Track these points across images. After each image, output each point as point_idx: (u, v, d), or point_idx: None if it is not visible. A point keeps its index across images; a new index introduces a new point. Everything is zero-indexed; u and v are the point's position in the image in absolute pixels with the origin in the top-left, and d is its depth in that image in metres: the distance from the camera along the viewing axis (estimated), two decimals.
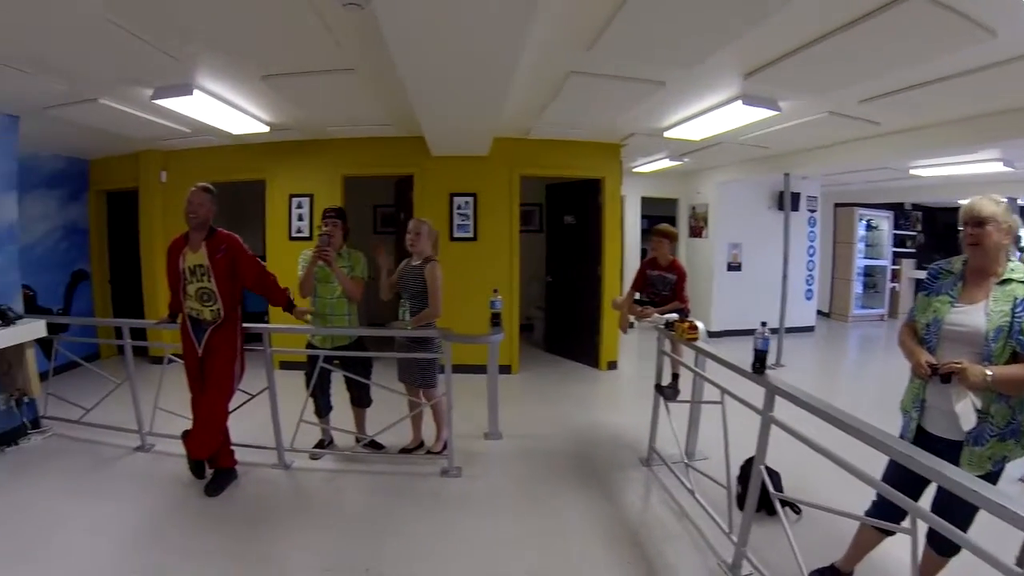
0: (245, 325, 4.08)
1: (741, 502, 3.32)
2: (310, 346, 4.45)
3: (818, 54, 3.48)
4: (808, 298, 10.36)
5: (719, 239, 9.74)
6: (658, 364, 4.47)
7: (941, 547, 2.42)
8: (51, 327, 4.89)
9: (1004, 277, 2.31)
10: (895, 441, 2.17)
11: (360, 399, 4.57)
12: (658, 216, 9.48)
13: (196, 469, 4.01)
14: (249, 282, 3.95)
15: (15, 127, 4.97)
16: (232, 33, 3.39)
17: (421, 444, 4.71)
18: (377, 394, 4.61)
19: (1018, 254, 2.43)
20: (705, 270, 9.78)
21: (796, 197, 9.50)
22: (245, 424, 4.33)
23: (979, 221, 2.32)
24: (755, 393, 3.01)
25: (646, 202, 10.53)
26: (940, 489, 2.09)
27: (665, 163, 8.68)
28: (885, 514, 2.49)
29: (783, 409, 2.80)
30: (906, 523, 2.21)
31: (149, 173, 7.30)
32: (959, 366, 2.19)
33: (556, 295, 8.53)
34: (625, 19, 3.06)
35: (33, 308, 6.35)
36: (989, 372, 2.15)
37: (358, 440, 4.61)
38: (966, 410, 2.22)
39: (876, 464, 2.42)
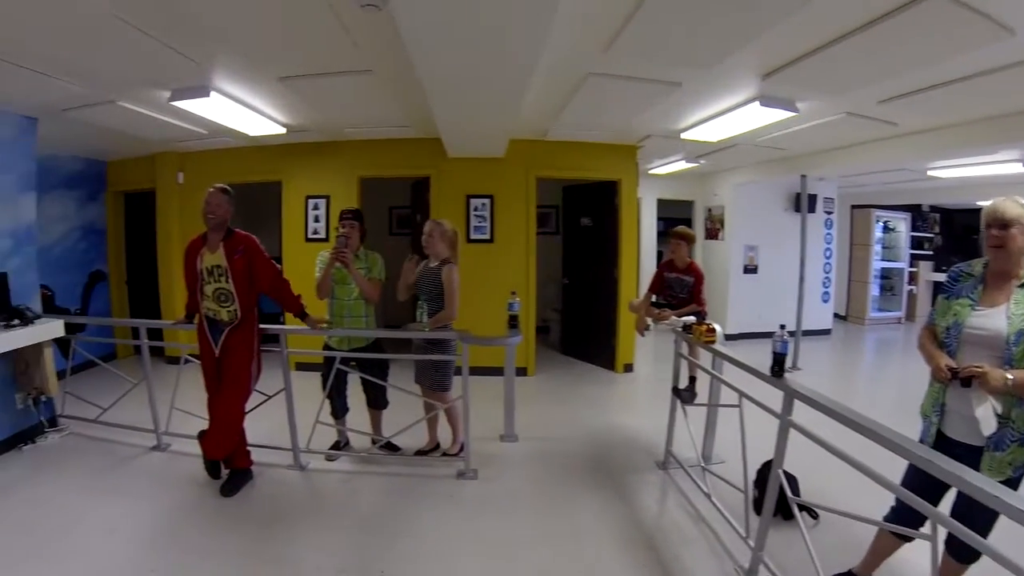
0: (262, 326, 4.09)
1: (757, 506, 3.30)
2: (327, 348, 4.45)
3: (837, 54, 3.44)
4: (824, 301, 10.26)
5: (735, 241, 9.68)
6: (675, 367, 4.44)
7: (960, 553, 2.38)
8: (69, 327, 4.95)
9: None
10: (916, 446, 2.15)
11: (376, 401, 4.56)
12: (674, 218, 9.43)
13: (212, 469, 4.01)
14: (265, 284, 3.96)
15: (34, 129, 5.00)
16: (250, 34, 3.39)
17: (437, 446, 4.71)
18: (393, 396, 4.60)
19: None
20: (721, 272, 9.72)
21: (813, 199, 9.44)
22: (261, 425, 4.34)
23: (1004, 223, 2.28)
24: (771, 396, 2.99)
25: (662, 204, 10.49)
26: (959, 494, 2.06)
27: (681, 165, 8.63)
28: (903, 520, 2.47)
29: (799, 412, 2.78)
30: (925, 529, 2.19)
31: (166, 174, 7.35)
32: (980, 370, 2.17)
33: (572, 297, 8.50)
34: (643, 20, 3.04)
35: (51, 308, 6.39)
36: (1010, 376, 2.12)
37: (374, 442, 4.61)
38: (986, 415, 2.19)
39: (894, 469, 2.39)
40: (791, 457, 2.90)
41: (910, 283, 11.92)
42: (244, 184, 6.14)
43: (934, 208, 12.29)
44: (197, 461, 4.05)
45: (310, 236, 7.19)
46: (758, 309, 9.41)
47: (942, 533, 2.08)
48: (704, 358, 4.23)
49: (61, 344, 5.05)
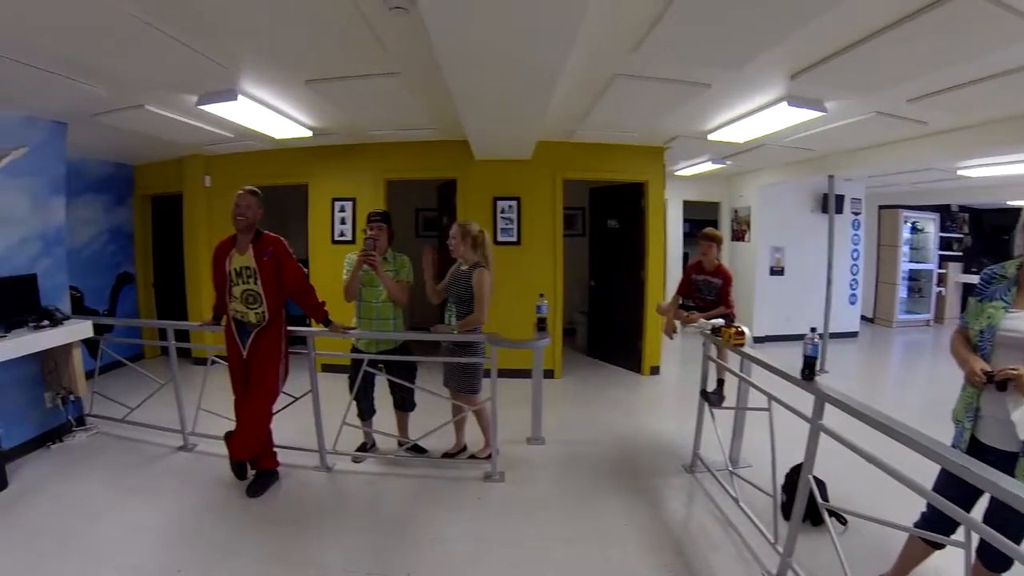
0: (289, 328, 4.11)
1: (786, 511, 3.26)
2: (355, 350, 4.45)
3: (867, 53, 3.37)
4: (852, 303, 10.11)
5: (762, 243, 9.57)
6: (703, 369, 4.41)
7: (993, 561, 2.32)
8: (97, 328, 5.02)
9: None
10: (949, 451, 2.11)
11: (404, 403, 4.57)
12: (700, 220, 9.38)
13: (238, 470, 4.03)
14: (292, 287, 3.97)
15: (63, 133, 5.07)
16: (277, 38, 3.40)
17: (464, 448, 4.70)
18: (421, 398, 4.61)
19: None
20: (748, 274, 9.61)
21: (840, 199, 9.30)
22: (288, 426, 4.36)
23: None
24: (800, 399, 2.96)
25: (688, 205, 10.41)
26: (992, 501, 2.02)
27: (707, 166, 8.54)
28: (935, 526, 2.44)
29: (828, 417, 2.76)
30: (957, 536, 2.14)
31: (193, 178, 7.43)
32: (1016, 373, 2.12)
33: (599, 299, 8.45)
34: (672, 19, 3.00)
35: (80, 309, 6.51)
36: None
37: (400, 444, 4.61)
38: (1023, 418, 2.14)
39: (924, 475, 2.34)
40: (818, 461, 2.86)
41: (939, 285, 11.65)
42: (270, 187, 6.14)
43: (963, 208, 11.98)
44: (223, 461, 4.08)
45: (336, 238, 7.22)
46: (785, 311, 9.33)
47: (974, 540, 2.03)
48: (732, 361, 4.19)
49: (89, 344, 5.13)
